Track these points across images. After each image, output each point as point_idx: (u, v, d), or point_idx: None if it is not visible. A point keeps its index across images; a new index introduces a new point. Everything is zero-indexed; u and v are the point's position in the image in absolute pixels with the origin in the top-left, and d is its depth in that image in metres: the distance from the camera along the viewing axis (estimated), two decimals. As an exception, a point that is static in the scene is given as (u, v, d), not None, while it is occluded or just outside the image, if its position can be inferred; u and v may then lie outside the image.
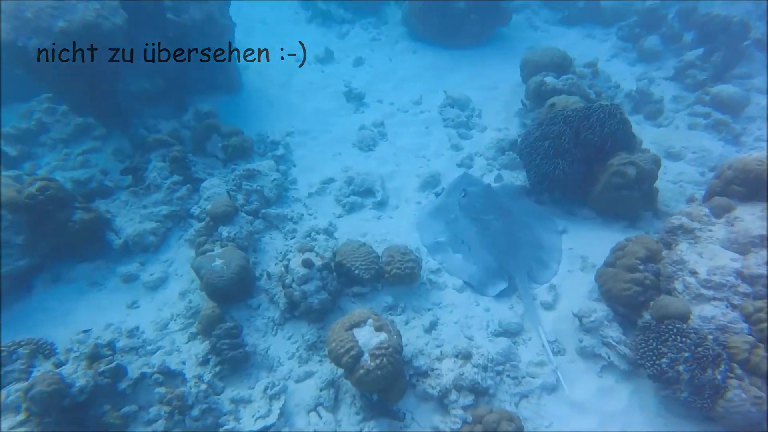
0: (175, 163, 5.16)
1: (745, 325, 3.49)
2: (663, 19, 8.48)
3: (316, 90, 7.57)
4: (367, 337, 3.54)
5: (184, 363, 3.87)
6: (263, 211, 5.23)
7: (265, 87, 7.48)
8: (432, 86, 7.68)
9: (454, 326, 4.41)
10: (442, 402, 3.68)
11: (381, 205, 5.68)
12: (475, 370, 3.72)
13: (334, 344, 3.52)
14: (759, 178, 3.89)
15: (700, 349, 3.43)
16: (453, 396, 3.62)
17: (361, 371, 3.40)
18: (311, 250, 4.36)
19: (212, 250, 4.33)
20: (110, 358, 3.66)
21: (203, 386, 3.54)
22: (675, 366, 3.47)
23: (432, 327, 4.38)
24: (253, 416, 3.59)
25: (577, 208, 5.44)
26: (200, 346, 4.02)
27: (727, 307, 3.59)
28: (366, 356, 3.44)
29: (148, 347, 4.00)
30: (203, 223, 4.81)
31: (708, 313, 3.59)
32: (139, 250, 4.83)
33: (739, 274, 3.65)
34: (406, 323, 4.41)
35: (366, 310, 3.78)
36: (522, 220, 5.17)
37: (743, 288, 3.61)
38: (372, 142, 6.59)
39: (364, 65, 8.26)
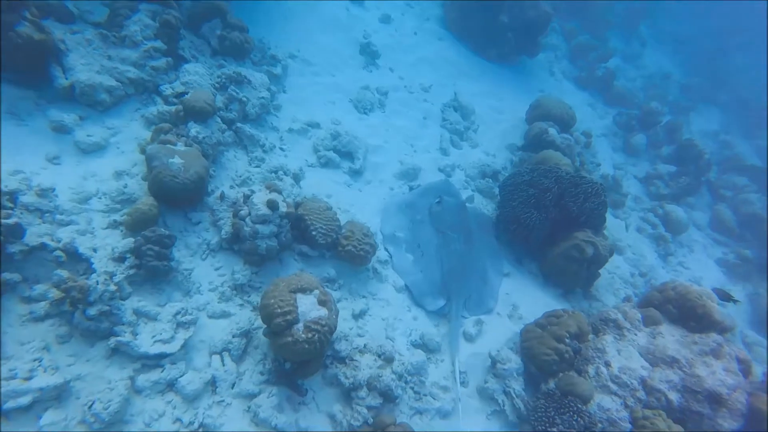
0: (166, 27, 4.41)
1: (629, 426, 3.85)
2: (656, 124, 9.08)
3: (335, 27, 6.99)
4: (308, 307, 3.34)
5: (95, 251, 3.35)
6: (238, 124, 4.71)
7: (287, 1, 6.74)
8: (445, 81, 7.48)
9: (381, 322, 4.36)
10: (349, 394, 3.61)
11: (356, 173, 5.42)
12: (393, 376, 3.69)
13: (272, 301, 3.27)
14: (692, 309, 4.30)
15: (588, 433, 3.73)
16: (363, 393, 3.57)
17: (289, 339, 3.20)
18: (280, 192, 4.01)
19: (174, 145, 3.79)
20: (9, 212, 3.07)
21: (112, 287, 3.09)
22: (562, 438, 3.74)
23: (360, 315, 4.29)
24: (153, 337, 3.23)
25: (527, 260, 5.64)
26: (119, 239, 3.51)
27: (622, 405, 3.94)
28: (300, 325, 3.25)
29: (58, 216, 3.40)
30: (172, 108, 4.20)
31: (606, 404, 3.91)
32: (84, 102, 4.09)
33: (642, 381, 4.02)
34: (337, 302, 4.26)
35: (314, 279, 3.56)
36: (478, 249, 5.24)
37: (640, 394, 3.98)
38: (370, 106, 6.25)
39: (389, 25, 7.80)
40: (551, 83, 9.35)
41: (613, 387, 3.99)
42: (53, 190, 3.47)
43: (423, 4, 8.76)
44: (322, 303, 3.42)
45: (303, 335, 3.21)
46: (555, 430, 3.78)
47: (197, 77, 4.56)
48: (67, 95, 4.05)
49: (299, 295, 3.37)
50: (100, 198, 3.70)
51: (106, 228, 3.58)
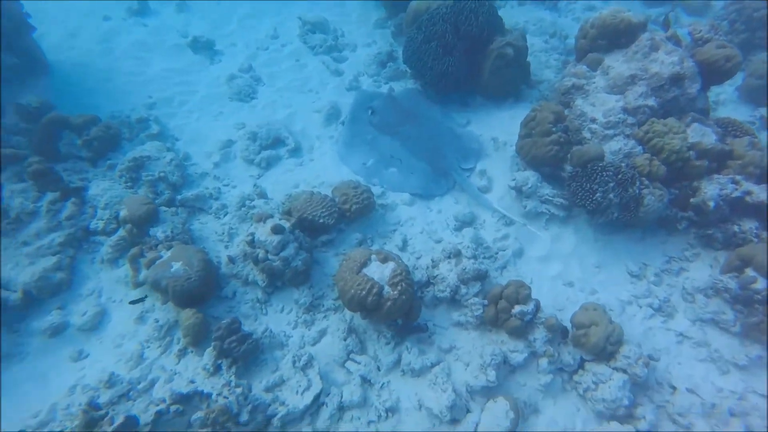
0: (42, 178, 4.01)
1: (640, 147, 4.45)
2: None
3: (151, 50, 6.37)
4: (379, 271, 3.59)
5: (193, 381, 3.42)
6: (179, 197, 4.53)
7: (84, 61, 6.01)
8: (280, 17, 7.10)
9: (421, 236, 4.67)
10: (453, 299, 4.01)
11: (296, 151, 5.38)
12: (472, 260, 4.09)
13: (353, 291, 3.48)
14: (616, 30, 4.73)
15: (619, 176, 4.29)
16: (463, 290, 3.97)
17: (389, 303, 3.48)
18: (271, 216, 4.03)
19: (160, 256, 3.69)
20: (109, 417, 3.07)
21: (238, 389, 3.23)
22: (606, 196, 4.29)
23: (405, 245, 4.58)
24: (296, 392, 3.45)
25: (470, 99, 5.94)
26: (198, 359, 3.57)
27: (624, 138, 4.51)
28: (387, 288, 3.51)
29: (139, 386, 3.40)
30: (122, 232, 3.99)
31: (614, 147, 4.47)
32: (48, 295, 3.84)
33: (624, 110, 4.56)
34: (382, 250, 4.51)
35: (363, 249, 3.77)
36: (431, 120, 5.45)
37: (630, 120, 4.54)
38: (250, 90, 5.98)
39: (190, 10, 7.13)
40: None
41: (609, 132, 4.53)
42: (113, 373, 3.42)
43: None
44: (384, 260, 3.66)
45: (394, 292, 3.49)
46: (599, 194, 4.32)
47: (111, 191, 4.28)
48: (29, 301, 3.78)
49: (365, 270, 3.58)
50: (149, 347, 3.67)
51: (179, 362, 3.61)
